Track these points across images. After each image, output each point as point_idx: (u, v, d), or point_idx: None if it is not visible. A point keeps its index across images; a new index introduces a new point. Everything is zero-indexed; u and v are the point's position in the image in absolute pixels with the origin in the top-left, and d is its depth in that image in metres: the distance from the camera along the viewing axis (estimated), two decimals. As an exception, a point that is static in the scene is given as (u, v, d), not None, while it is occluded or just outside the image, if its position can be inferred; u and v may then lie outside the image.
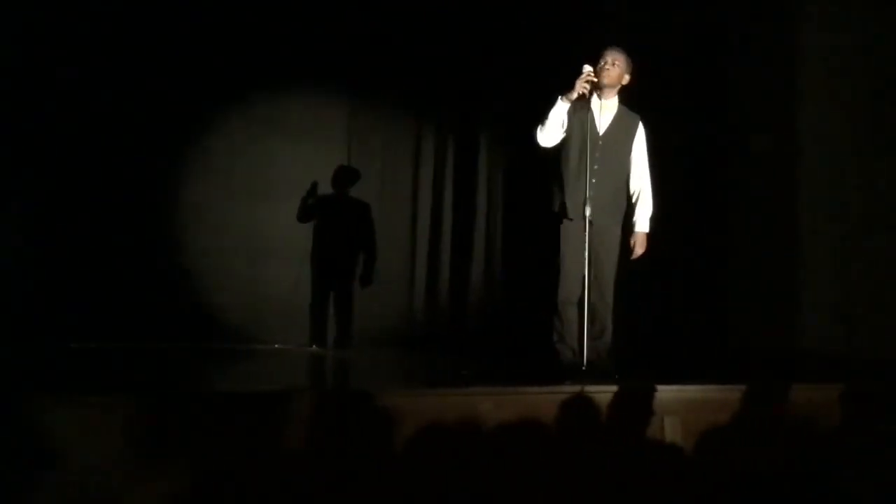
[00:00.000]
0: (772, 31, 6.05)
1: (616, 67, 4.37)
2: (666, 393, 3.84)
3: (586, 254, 4.18)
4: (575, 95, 4.27)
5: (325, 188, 7.49)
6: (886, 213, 5.70)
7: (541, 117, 4.37)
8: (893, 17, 5.73)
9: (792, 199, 5.82)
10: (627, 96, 4.55)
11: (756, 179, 6.05)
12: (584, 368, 4.10)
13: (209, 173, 7.24)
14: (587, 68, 4.28)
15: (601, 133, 4.35)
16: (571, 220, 4.33)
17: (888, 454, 3.90)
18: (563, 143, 4.40)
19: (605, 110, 4.36)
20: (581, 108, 4.34)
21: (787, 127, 5.87)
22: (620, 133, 4.42)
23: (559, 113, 4.31)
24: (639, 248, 4.50)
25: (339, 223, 7.47)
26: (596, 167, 4.27)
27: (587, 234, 4.21)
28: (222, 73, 7.24)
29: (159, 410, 2.95)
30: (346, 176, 7.50)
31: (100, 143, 6.70)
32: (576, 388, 3.64)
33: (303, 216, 7.36)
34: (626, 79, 4.43)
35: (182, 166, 7.21)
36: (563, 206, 4.37)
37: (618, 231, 4.46)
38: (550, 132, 4.34)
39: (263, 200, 7.48)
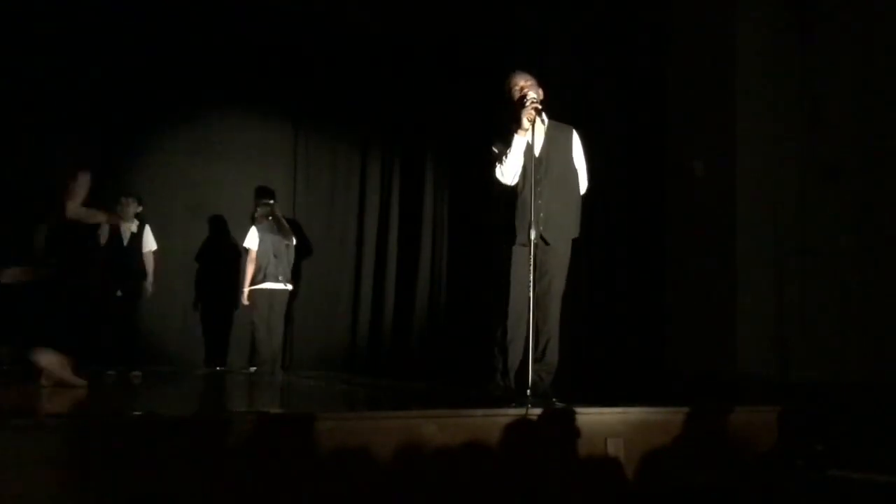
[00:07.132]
0: (712, 56, 6.19)
1: (538, 87, 4.40)
2: (609, 415, 3.87)
3: (532, 280, 4.13)
4: (528, 125, 4.25)
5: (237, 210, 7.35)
6: (821, 239, 5.85)
7: (496, 158, 4.32)
8: (827, 47, 5.92)
9: (729, 224, 5.93)
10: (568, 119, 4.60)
11: (694, 203, 6.15)
12: (528, 392, 4.07)
13: (154, 195, 7.16)
14: (532, 96, 4.29)
15: (537, 154, 4.35)
16: (524, 245, 4.23)
17: (823, 474, 3.99)
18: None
19: (536, 131, 4.34)
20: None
21: (726, 151, 6.00)
22: (557, 148, 4.42)
23: (519, 148, 4.28)
24: None
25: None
26: (539, 189, 4.24)
27: (534, 256, 4.14)
28: (169, 97, 7.19)
29: (92, 436, 2.87)
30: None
31: (43, 160, 6.58)
32: (520, 412, 3.64)
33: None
34: None
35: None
36: (513, 231, 4.33)
37: (568, 249, 4.43)
38: (513, 169, 4.29)
39: (207, 223, 7.41)
